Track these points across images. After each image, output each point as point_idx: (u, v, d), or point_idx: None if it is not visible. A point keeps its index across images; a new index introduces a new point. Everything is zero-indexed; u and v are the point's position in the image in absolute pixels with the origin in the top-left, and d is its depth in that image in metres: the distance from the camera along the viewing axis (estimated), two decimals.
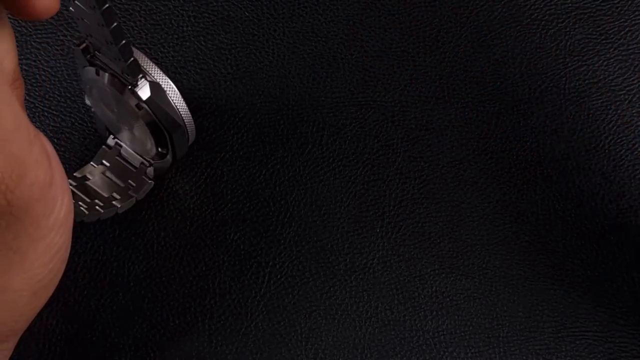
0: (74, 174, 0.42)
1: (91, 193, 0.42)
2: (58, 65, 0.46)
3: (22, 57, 0.46)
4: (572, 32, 0.47)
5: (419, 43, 0.47)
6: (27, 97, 0.46)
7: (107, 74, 0.39)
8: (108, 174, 0.43)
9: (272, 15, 0.48)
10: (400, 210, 0.44)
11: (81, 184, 0.42)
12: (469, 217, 0.44)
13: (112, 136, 0.43)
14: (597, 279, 0.43)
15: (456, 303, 0.43)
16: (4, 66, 0.32)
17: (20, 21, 0.47)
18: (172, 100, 0.40)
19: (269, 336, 0.42)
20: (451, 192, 0.44)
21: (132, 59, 0.38)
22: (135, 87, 0.39)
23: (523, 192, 0.44)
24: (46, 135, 0.45)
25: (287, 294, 0.43)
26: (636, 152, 0.45)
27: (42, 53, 0.46)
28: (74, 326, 0.42)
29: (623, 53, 0.47)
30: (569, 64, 0.47)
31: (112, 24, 0.36)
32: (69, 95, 0.46)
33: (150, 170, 0.42)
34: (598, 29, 0.47)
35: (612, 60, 0.47)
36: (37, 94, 0.46)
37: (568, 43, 0.47)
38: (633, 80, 0.46)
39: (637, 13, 0.48)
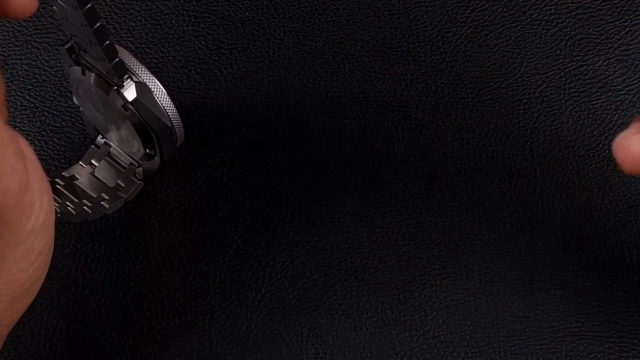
0: (62, 174, 0.42)
1: (79, 193, 0.41)
2: (58, 65, 0.46)
3: (22, 57, 0.46)
4: (572, 32, 0.47)
5: (419, 43, 0.47)
6: (27, 97, 0.46)
7: (93, 74, 0.39)
8: (97, 173, 0.42)
9: (272, 15, 0.47)
10: (401, 210, 0.44)
11: (69, 184, 0.41)
12: (469, 217, 0.44)
13: (100, 136, 0.43)
14: (597, 279, 0.43)
15: (456, 303, 0.42)
16: None
17: (20, 21, 0.47)
18: (160, 101, 0.40)
19: (269, 336, 0.42)
20: (451, 192, 0.44)
21: (116, 59, 0.37)
22: (121, 87, 0.39)
23: (523, 192, 0.44)
24: (46, 135, 0.45)
25: (287, 294, 0.43)
26: None
27: (42, 53, 0.46)
28: (74, 326, 0.42)
29: (623, 53, 0.47)
30: (569, 64, 0.47)
31: (95, 24, 0.35)
32: (68, 95, 0.46)
33: (139, 170, 0.42)
34: (598, 29, 0.47)
35: (612, 60, 0.47)
36: (37, 94, 0.46)
37: (568, 43, 0.47)
38: (633, 80, 0.46)
39: (637, 13, 0.48)
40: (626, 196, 0.44)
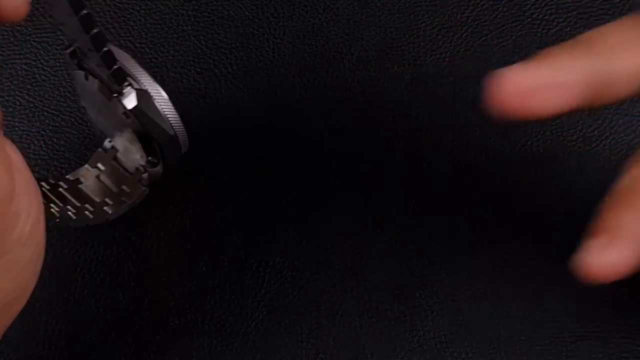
0: (67, 177, 0.41)
1: (82, 197, 0.41)
2: (58, 65, 0.46)
3: (22, 57, 0.46)
4: (573, 32, 0.47)
5: (419, 43, 0.47)
6: (26, 97, 0.46)
7: (96, 80, 0.38)
8: (102, 177, 0.42)
9: (272, 15, 0.47)
10: (401, 210, 0.44)
11: (73, 188, 0.41)
12: (470, 217, 0.44)
13: (108, 139, 0.42)
14: None
15: (456, 303, 0.43)
16: None
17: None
18: (162, 108, 0.39)
19: (269, 336, 0.42)
20: (451, 192, 0.44)
21: (115, 66, 0.37)
22: (121, 95, 0.38)
23: (523, 192, 0.44)
24: (45, 135, 0.45)
25: (287, 294, 0.43)
26: None
27: (42, 53, 0.46)
28: (74, 326, 0.42)
29: None
30: None
31: (91, 31, 0.35)
32: (68, 95, 0.46)
33: (145, 176, 0.41)
34: None
35: None
36: (37, 94, 0.46)
37: None
38: None
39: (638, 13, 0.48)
40: None
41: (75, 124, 0.45)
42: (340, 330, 0.42)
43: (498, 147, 0.45)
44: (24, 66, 0.46)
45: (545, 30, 0.47)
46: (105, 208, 0.40)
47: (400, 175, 0.45)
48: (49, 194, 0.40)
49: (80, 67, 0.39)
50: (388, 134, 0.45)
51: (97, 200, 0.41)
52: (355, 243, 0.44)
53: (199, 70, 0.46)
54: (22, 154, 0.31)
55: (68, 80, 0.46)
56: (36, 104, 0.45)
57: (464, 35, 0.47)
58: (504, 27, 0.47)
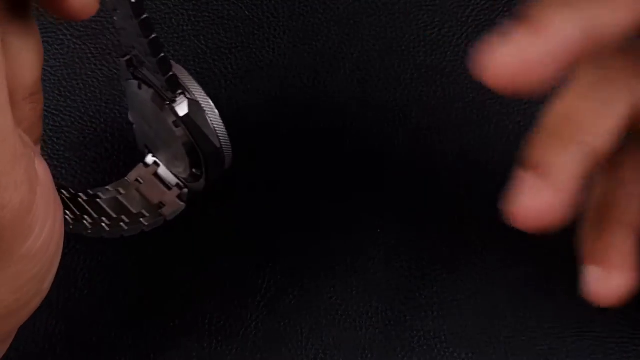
0: (106, 187, 0.41)
1: (119, 209, 0.41)
2: (58, 65, 0.46)
3: None
4: None
5: (419, 43, 0.47)
6: None
7: (151, 90, 0.39)
8: (141, 190, 0.42)
9: (272, 15, 0.47)
10: (401, 210, 0.44)
11: (110, 199, 0.41)
12: (470, 216, 0.44)
13: (150, 154, 0.42)
14: None
15: (456, 303, 0.42)
16: (21, 80, 0.30)
17: None
18: (211, 121, 0.39)
19: (269, 336, 0.42)
20: (452, 192, 0.44)
21: (170, 73, 0.37)
22: (173, 102, 0.38)
23: None
24: (45, 135, 0.45)
25: (287, 294, 0.43)
26: None
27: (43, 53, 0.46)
28: (74, 326, 0.42)
29: None
30: None
31: (150, 36, 0.35)
32: (68, 94, 0.46)
33: (185, 192, 0.41)
34: None
35: None
36: None
37: None
38: None
39: None
40: None
41: (75, 123, 0.45)
42: (340, 330, 0.42)
43: (499, 147, 0.45)
44: None
45: None
46: (141, 220, 0.40)
47: (400, 175, 0.45)
48: (85, 205, 0.40)
49: (134, 77, 0.39)
50: (388, 134, 0.45)
51: (134, 212, 0.41)
52: (355, 243, 0.44)
53: (199, 70, 0.46)
54: None
55: (68, 80, 0.46)
56: None
57: (464, 35, 0.47)
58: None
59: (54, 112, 0.45)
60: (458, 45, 0.47)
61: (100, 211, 0.40)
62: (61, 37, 0.47)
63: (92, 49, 0.47)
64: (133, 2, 0.34)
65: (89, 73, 0.47)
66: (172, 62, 0.38)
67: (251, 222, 0.44)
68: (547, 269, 0.43)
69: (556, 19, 0.28)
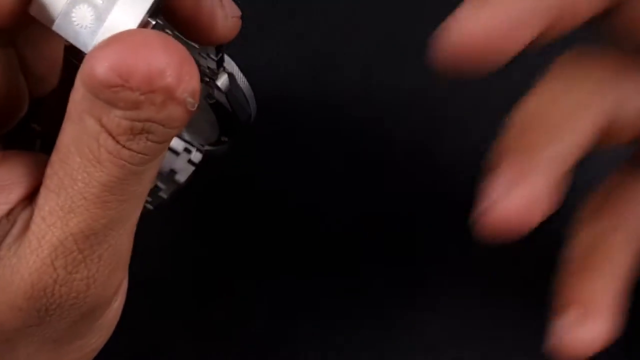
0: None
1: None
2: None
3: None
4: (572, 32, 0.47)
5: (419, 43, 0.47)
6: None
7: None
8: None
9: (272, 14, 0.48)
10: (401, 210, 0.44)
11: None
12: (470, 217, 0.44)
13: None
14: None
15: (457, 303, 0.43)
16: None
17: None
18: (242, 89, 0.39)
19: (269, 336, 0.42)
20: (452, 192, 0.44)
21: (221, 54, 0.37)
22: (214, 79, 0.38)
23: None
24: None
25: (287, 294, 0.43)
26: None
27: None
28: None
29: None
30: None
31: None
32: None
33: (195, 154, 0.41)
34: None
35: None
36: None
37: (570, 42, 0.47)
38: None
39: None
40: None
41: None
42: (340, 330, 0.42)
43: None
44: None
45: None
46: (159, 193, 0.40)
47: (400, 175, 0.45)
48: None
49: None
50: (388, 133, 0.45)
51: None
52: (355, 243, 0.44)
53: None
54: None
55: None
56: None
57: None
58: None
59: None
60: None
61: None
62: None
63: None
64: None
65: None
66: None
67: (250, 222, 0.44)
68: (548, 269, 0.43)
69: None
